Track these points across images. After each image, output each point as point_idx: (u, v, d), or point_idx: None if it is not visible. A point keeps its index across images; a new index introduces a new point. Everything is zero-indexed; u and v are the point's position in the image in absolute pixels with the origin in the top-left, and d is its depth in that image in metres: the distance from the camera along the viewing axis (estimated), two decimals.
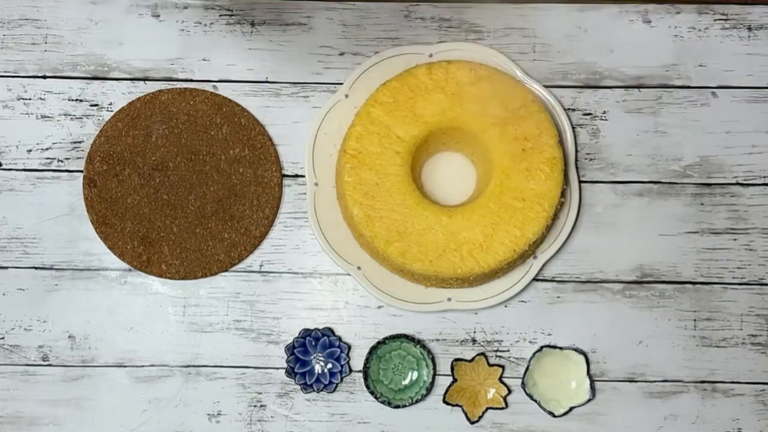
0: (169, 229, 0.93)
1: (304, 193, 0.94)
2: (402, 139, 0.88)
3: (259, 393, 0.92)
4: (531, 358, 0.91)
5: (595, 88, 0.96)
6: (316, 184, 0.92)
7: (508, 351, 0.93)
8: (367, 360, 0.91)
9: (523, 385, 0.91)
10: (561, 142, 0.89)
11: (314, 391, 0.91)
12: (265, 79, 0.96)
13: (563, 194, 0.89)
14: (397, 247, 0.87)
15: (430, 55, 0.94)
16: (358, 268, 0.91)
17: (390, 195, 0.88)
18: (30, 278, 0.93)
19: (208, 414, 0.92)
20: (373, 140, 0.88)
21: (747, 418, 0.92)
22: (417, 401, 0.91)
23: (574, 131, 0.94)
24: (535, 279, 0.93)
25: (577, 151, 0.94)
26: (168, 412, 0.92)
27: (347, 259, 0.91)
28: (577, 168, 0.94)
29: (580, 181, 0.94)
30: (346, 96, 0.93)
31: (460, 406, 0.91)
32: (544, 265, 0.93)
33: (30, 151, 0.95)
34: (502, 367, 0.92)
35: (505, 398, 0.91)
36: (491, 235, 0.87)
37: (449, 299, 0.91)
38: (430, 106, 0.89)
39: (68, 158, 0.95)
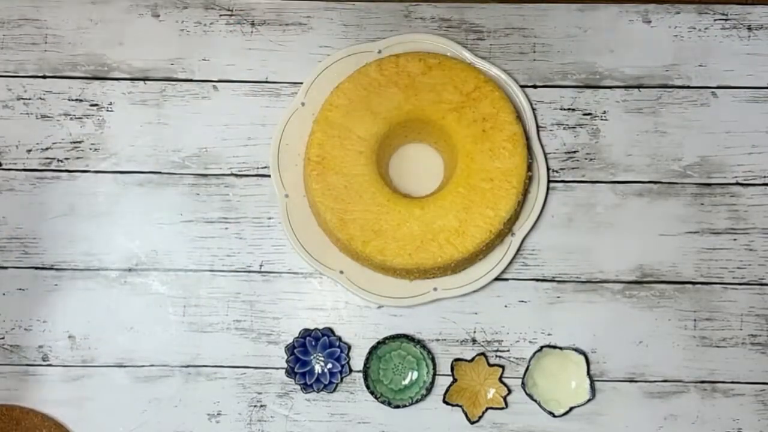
0: None
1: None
2: (363, 139, 0.89)
3: (259, 393, 0.92)
4: (531, 358, 0.91)
5: (595, 88, 0.96)
6: (287, 196, 0.92)
7: (508, 351, 0.93)
8: (367, 360, 0.91)
9: (523, 385, 0.91)
10: (519, 118, 0.89)
11: (314, 391, 0.91)
12: (265, 79, 0.96)
13: (530, 168, 0.90)
14: (374, 246, 0.87)
15: (379, 51, 0.94)
16: (341, 272, 0.91)
17: (360, 196, 0.88)
18: (30, 278, 0.93)
19: (208, 414, 0.92)
20: (335, 144, 0.88)
21: (747, 418, 0.92)
22: (417, 401, 0.91)
23: (531, 105, 0.94)
24: (535, 279, 0.93)
25: (538, 126, 0.94)
26: (168, 412, 0.92)
27: (328, 264, 0.91)
28: (540, 140, 0.94)
29: (545, 154, 0.94)
30: (303, 104, 0.93)
31: (460, 406, 0.91)
32: (542, 265, 0.93)
33: (30, 151, 0.95)
34: (502, 367, 0.92)
35: (505, 398, 0.91)
36: (465, 219, 0.87)
37: (435, 289, 0.91)
38: (385, 102, 0.89)
39: (68, 158, 0.95)
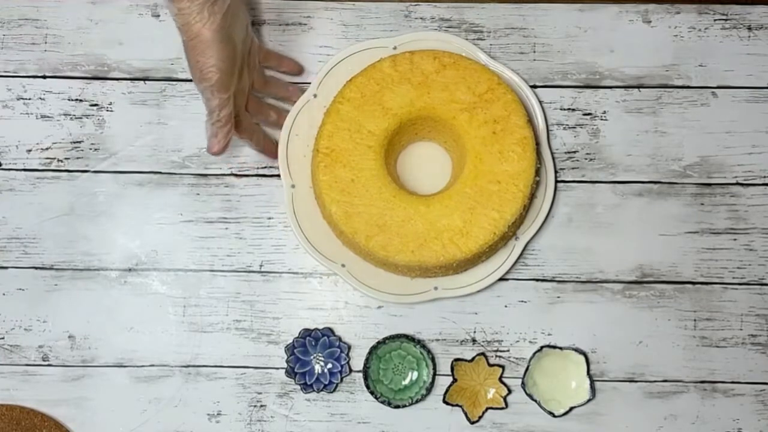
0: None
1: None
2: (373, 134, 0.89)
3: (259, 393, 0.92)
4: (531, 358, 0.91)
5: (595, 88, 0.96)
6: (293, 186, 0.92)
7: (508, 351, 0.93)
8: (367, 360, 0.91)
9: (523, 385, 0.91)
10: (530, 122, 0.89)
11: (314, 391, 0.91)
12: None
13: (538, 173, 0.90)
14: (378, 241, 0.87)
15: (394, 48, 0.94)
16: (342, 265, 0.91)
17: (366, 190, 0.88)
18: (30, 278, 0.93)
19: (208, 414, 0.92)
20: (345, 137, 0.88)
21: (747, 418, 0.92)
22: (417, 401, 0.91)
23: (543, 109, 0.94)
24: (535, 279, 0.93)
25: (548, 130, 0.94)
26: (168, 412, 0.92)
27: (331, 258, 0.91)
28: (549, 146, 0.94)
29: (554, 158, 0.94)
30: (315, 96, 0.93)
31: (460, 406, 0.91)
32: (542, 265, 0.93)
33: (30, 151, 0.95)
34: (502, 367, 0.92)
35: (505, 398, 0.91)
36: (470, 220, 0.87)
37: (436, 288, 0.91)
38: (397, 98, 0.89)
39: (68, 158, 0.95)
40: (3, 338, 0.93)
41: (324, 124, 0.90)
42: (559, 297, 0.93)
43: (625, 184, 0.95)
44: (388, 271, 0.91)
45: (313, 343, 0.92)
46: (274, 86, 0.94)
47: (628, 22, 0.97)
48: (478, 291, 0.91)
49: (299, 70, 0.95)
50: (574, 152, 0.95)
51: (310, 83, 0.94)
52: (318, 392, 0.91)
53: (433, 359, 0.91)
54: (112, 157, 0.95)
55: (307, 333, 0.92)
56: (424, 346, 0.91)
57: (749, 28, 0.97)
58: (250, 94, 0.91)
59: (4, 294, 0.93)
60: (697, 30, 0.97)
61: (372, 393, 0.91)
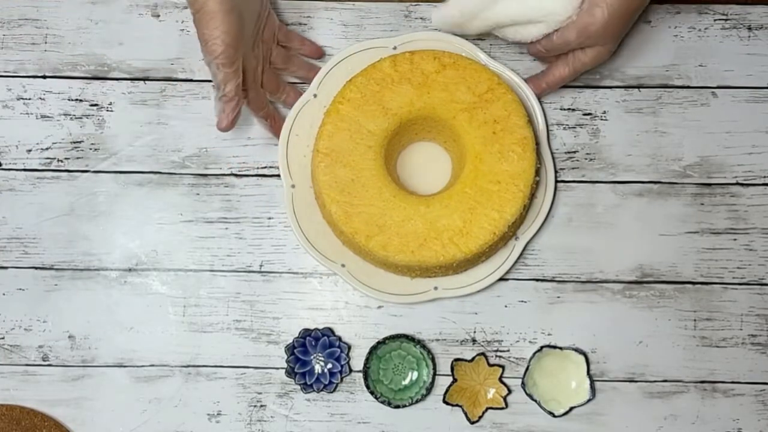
0: None
1: None
2: (373, 134, 0.89)
3: (259, 393, 0.92)
4: (531, 358, 0.91)
5: (595, 88, 0.96)
6: (293, 186, 0.92)
7: (508, 351, 0.93)
8: (367, 360, 0.91)
9: (523, 385, 0.91)
10: (530, 122, 0.89)
11: (314, 391, 0.91)
12: None
13: (538, 173, 0.90)
14: (378, 241, 0.87)
15: (394, 48, 0.94)
16: (342, 265, 0.91)
17: (366, 190, 0.88)
18: (30, 278, 0.93)
19: (208, 414, 0.92)
20: (345, 137, 0.88)
21: (747, 418, 0.92)
22: (417, 401, 0.91)
23: (543, 109, 0.94)
24: (535, 279, 0.93)
25: (548, 130, 0.94)
26: (168, 412, 0.92)
27: (331, 257, 0.91)
28: (549, 146, 0.94)
29: (554, 158, 0.94)
30: (315, 96, 0.93)
31: (460, 406, 0.91)
32: (542, 265, 0.93)
33: (30, 151, 0.95)
34: (502, 367, 0.92)
35: (505, 398, 0.91)
36: (470, 220, 0.87)
37: (436, 288, 0.91)
38: (397, 98, 0.89)
39: (68, 158, 0.95)
40: (3, 338, 0.93)
41: (324, 124, 0.90)
42: (559, 297, 0.93)
43: (625, 184, 0.95)
44: (388, 271, 0.91)
45: (313, 343, 0.92)
46: (296, 65, 0.93)
47: None
48: (478, 291, 0.92)
49: (321, 54, 0.95)
50: (574, 152, 0.95)
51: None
52: (318, 392, 0.91)
53: (433, 359, 0.91)
54: (112, 157, 0.95)
55: (307, 333, 0.92)
56: (424, 346, 0.91)
57: (749, 28, 0.97)
58: (269, 70, 0.91)
59: (4, 294, 0.93)
60: (697, 30, 0.97)
61: (372, 393, 0.91)
